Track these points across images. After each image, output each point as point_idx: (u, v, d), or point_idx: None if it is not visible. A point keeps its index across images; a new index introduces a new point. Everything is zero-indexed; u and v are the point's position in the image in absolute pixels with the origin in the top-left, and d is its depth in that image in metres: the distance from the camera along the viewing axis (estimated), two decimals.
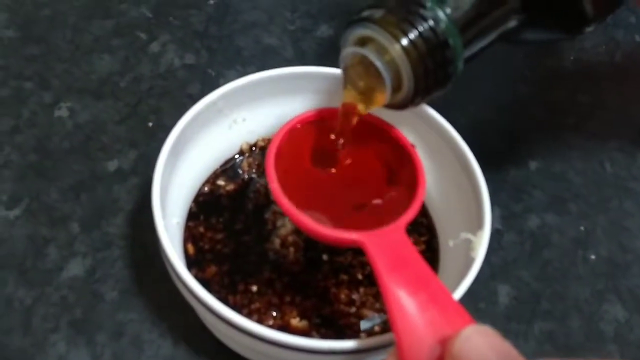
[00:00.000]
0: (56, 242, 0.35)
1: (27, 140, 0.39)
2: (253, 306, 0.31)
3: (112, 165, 0.39)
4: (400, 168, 0.31)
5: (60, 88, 0.42)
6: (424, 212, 0.36)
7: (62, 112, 0.41)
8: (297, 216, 0.28)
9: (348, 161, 0.31)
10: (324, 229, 0.27)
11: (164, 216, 0.31)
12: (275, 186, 0.29)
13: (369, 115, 0.31)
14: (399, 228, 0.27)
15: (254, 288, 0.32)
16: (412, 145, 0.32)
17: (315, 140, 0.32)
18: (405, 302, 0.23)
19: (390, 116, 0.36)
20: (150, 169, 0.31)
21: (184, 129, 0.33)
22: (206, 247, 0.33)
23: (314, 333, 0.31)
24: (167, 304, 0.33)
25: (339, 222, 0.28)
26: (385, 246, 0.26)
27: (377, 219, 0.28)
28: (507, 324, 0.35)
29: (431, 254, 0.34)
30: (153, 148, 0.38)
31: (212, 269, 0.32)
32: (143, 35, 0.46)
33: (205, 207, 0.35)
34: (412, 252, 0.26)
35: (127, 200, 0.37)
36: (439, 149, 0.35)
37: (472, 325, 0.22)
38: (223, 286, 0.32)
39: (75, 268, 0.35)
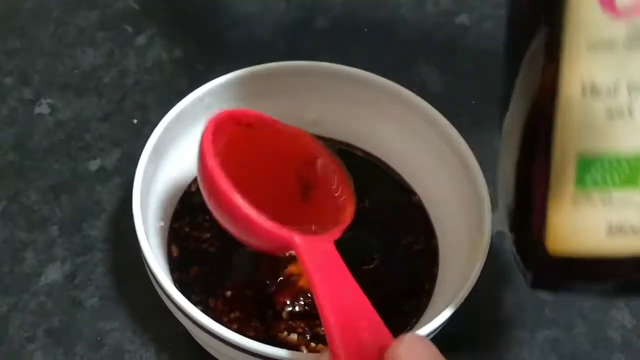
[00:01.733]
0: (34, 246, 0.34)
1: (6, 138, 0.38)
2: (233, 315, 0.30)
3: (94, 164, 0.37)
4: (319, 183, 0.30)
5: (42, 83, 0.41)
6: (422, 213, 0.34)
7: (43, 108, 0.39)
8: (233, 200, 0.25)
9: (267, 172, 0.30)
10: (262, 220, 0.25)
11: (147, 218, 0.30)
12: (212, 163, 0.25)
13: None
14: (329, 241, 0.26)
15: (236, 292, 0.30)
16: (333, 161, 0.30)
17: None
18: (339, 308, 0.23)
19: (387, 114, 0.35)
20: (135, 169, 0.30)
21: (168, 127, 0.32)
22: (191, 247, 0.32)
23: (302, 348, 0.29)
24: (150, 311, 0.32)
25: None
26: (318, 254, 0.25)
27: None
28: (510, 332, 0.33)
29: (430, 256, 0.33)
30: (138, 146, 0.37)
31: (195, 269, 0.31)
32: (129, 28, 0.44)
33: (192, 206, 0.33)
34: (340, 264, 0.25)
35: (109, 202, 0.36)
36: (437, 148, 0.34)
37: (411, 334, 0.22)
38: (205, 289, 0.31)
39: (54, 273, 0.33)
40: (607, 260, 0.22)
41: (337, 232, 0.27)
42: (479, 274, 0.28)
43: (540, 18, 0.20)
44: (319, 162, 0.30)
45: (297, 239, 0.25)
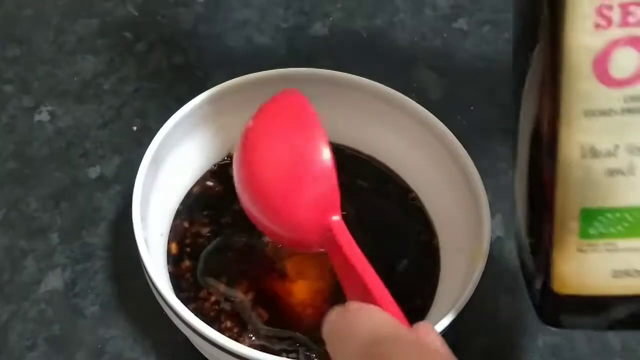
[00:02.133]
0: (34, 254, 0.34)
1: (5, 146, 0.38)
2: (226, 323, 0.30)
3: (94, 172, 0.37)
4: None
5: (41, 91, 0.41)
6: (423, 215, 0.34)
7: (43, 116, 0.39)
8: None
9: None
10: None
11: (147, 226, 0.30)
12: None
13: None
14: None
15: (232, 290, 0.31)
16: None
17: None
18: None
19: (386, 120, 0.35)
20: (135, 176, 0.30)
21: (168, 134, 0.32)
22: (190, 243, 0.32)
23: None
24: (151, 319, 0.32)
25: None
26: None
27: None
28: (510, 337, 0.33)
29: (431, 259, 0.33)
30: (138, 154, 0.37)
31: (193, 266, 0.31)
32: (129, 35, 0.44)
33: (193, 205, 0.34)
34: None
35: (109, 209, 0.36)
36: (436, 153, 0.34)
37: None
38: (203, 286, 0.31)
39: (54, 281, 0.33)
40: (612, 299, 0.22)
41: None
42: (478, 280, 0.28)
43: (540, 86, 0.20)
44: None
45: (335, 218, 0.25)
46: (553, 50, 0.19)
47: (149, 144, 0.31)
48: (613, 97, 0.19)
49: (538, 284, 0.23)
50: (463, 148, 0.32)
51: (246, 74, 0.34)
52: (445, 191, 0.33)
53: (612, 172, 0.20)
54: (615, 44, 0.19)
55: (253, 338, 0.29)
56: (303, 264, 0.31)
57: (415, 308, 0.31)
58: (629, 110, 0.19)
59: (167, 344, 0.32)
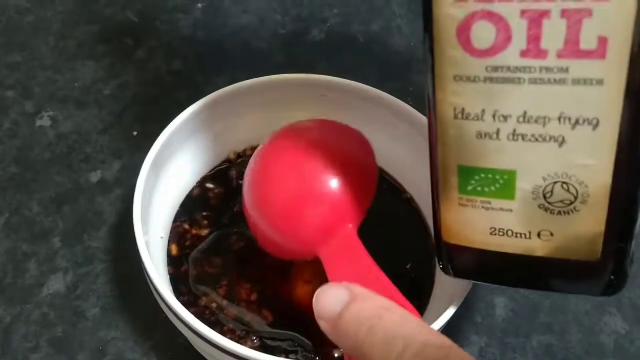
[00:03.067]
0: (36, 257, 0.34)
1: (8, 151, 0.38)
2: (228, 325, 0.30)
3: (95, 176, 0.38)
4: None
5: (43, 96, 0.41)
6: (418, 215, 0.35)
7: (44, 121, 0.40)
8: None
9: None
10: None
11: (147, 230, 0.31)
12: None
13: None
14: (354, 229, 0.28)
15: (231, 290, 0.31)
16: None
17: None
18: None
19: (382, 124, 0.35)
20: (135, 180, 0.30)
21: (168, 138, 0.32)
22: (190, 245, 0.33)
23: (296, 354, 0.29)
24: (151, 321, 0.32)
25: None
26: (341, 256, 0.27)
27: None
28: (505, 338, 0.34)
29: (427, 259, 0.33)
30: (138, 158, 0.37)
31: (193, 267, 0.32)
32: (129, 41, 0.45)
33: (193, 208, 0.34)
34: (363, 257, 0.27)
35: (110, 213, 0.36)
36: None
37: None
38: (203, 286, 0.31)
39: (56, 284, 0.34)
40: (491, 253, 0.24)
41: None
42: (472, 285, 0.28)
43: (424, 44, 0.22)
44: None
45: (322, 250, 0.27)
46: (426, 19, 0.21)
47: (149, 148, 0.32)
48: (476, 65, 0.21)
49: (434, 234, 0.26)
50: None
51: (245, 79, 0.35)
52: None
53: (481, 135, 0.22)
54: (473, 16, 0.20)
55: (254, 339, 0.30)
56: (304, 266, 0.31)
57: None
58: (491, 79, 0.21)
59: (167, 345, 0.32)
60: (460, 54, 0.21)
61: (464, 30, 0.21)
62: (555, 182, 0.22)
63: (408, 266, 0.33)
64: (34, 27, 0.45)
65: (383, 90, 0.35)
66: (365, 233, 0.32)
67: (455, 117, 0.22)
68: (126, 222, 0.36)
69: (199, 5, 0.48)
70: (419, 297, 0.32)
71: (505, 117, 0.21)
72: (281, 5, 0.48)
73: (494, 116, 0.21)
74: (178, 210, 0.34)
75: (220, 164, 0.36)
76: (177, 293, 0.31)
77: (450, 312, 0.27)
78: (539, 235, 0.23)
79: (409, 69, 0.44)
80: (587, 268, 0.23)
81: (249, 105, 0.35)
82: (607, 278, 0.23)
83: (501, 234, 0.23)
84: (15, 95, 0.41)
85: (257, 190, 0.29)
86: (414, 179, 0.35)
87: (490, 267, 0.25)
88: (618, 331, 0.34)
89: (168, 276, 0.32)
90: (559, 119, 0.20)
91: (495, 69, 0.21)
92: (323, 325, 0.22)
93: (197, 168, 0.35)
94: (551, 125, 0.21)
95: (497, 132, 0.21)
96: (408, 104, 0.34)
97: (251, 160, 0.30)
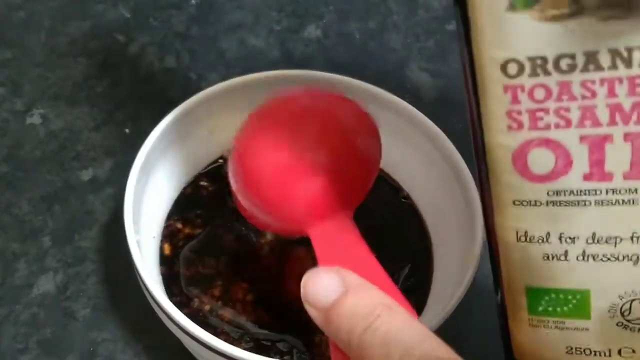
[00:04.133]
0: (26, 257, 0.34)
1: None
2: (222, 327, 0.30)
3: (86, 174, 0.37)
4: None
5: (33, 94, 0.40)
6: (417, 215, 0.34)
7: (35, 119, 0.39)
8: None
9: None
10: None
11: (139, 229, 0.30)
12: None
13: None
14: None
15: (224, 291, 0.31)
16: None
17: None
18: None
19: (379, 122, 0.35)
20: (127, 179, 0.30)
21: (160, 136, 0.32)
22: (182, 244, 0.32)
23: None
24: (142, 322, 0.32)
25: None
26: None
27: None
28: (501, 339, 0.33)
29: (424, 259, 0.33)
30: (130, 156, 0.37)
31: (185, 267, 0.31)
32: (121, 37, 0.44)
33: (185, 206, 0.34)
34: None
35: (101, 212, 0.36)
36: (429, 154, 0.34)
37: None
38: (196, 286, 0.31)
39: (46, 284, 0.33)
40: None
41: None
42: (472, 280, 0.28)
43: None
44: None
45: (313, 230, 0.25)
46: (477, 148, 0.21)
47: (141, 146, 0.31)
48: (537, 190, 0.20)
49: (504, 350, 0.25)
50: (455, 149, 0.32)
51: (239, 76, 0.34)
52: (438, 192, 0.33)
53: (548, 257, 0.21)
54: (529, 143, 0.19)
55: (248, 340, 0.29)
56: (299, 262, 0.31)
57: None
58: (554, 203, 0.20)
59: (158, 347, 0.32)
60: (517, 180, 0.20)
61: (519, 157, 0.20)
62: (633, 300, 0.21)
63: (406, 265, 0.32)
64: (25, 23, 0.44)
65: (380, 87, 0.34)
66: (362, 232, 0.32)
67: (519, 240, 0.21)
68: (118, 222, 0.35)
69: (193, 1, 0.47)
70: (415, 297, 0.31)
71: (572, 239, 0.20)
72: (276, 1, 0.48)
73: (560, 238, 0.20)
74: (171, 209, 0.33)
75: (214, 162, 0.35)
76: (170, 294, 0.30)
77: (448, 311, 0.27)
78: (619, 352, 0.22)
79: (405, 66, 0.44)
80: None
81: (243, 103, 0.35)
82: None
83: (579, 352, 0.22)
84: (5, 92, 0.40)
85: (241, 158, 0.27)
86: (412, 177, 0.35)
87: None
88: None
89: (160, 277, 0.31)
90: (632, 238, 0.20)
91: (558, 193, 0.20)
92: (313, 313, 0.21)
93: (191, 166, 0.35)
94: (623, 244, 0.20)
95: (566, 254, 0.21)
96: (405, 100, 0.34)
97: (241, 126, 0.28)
